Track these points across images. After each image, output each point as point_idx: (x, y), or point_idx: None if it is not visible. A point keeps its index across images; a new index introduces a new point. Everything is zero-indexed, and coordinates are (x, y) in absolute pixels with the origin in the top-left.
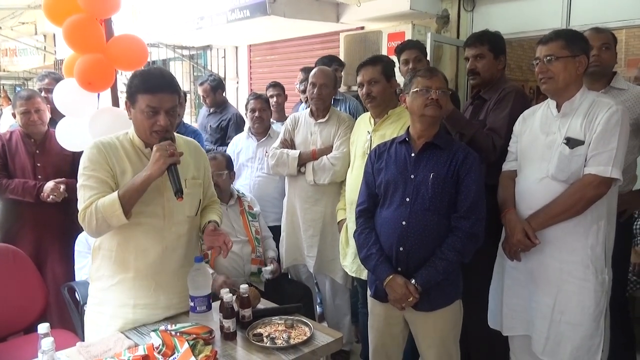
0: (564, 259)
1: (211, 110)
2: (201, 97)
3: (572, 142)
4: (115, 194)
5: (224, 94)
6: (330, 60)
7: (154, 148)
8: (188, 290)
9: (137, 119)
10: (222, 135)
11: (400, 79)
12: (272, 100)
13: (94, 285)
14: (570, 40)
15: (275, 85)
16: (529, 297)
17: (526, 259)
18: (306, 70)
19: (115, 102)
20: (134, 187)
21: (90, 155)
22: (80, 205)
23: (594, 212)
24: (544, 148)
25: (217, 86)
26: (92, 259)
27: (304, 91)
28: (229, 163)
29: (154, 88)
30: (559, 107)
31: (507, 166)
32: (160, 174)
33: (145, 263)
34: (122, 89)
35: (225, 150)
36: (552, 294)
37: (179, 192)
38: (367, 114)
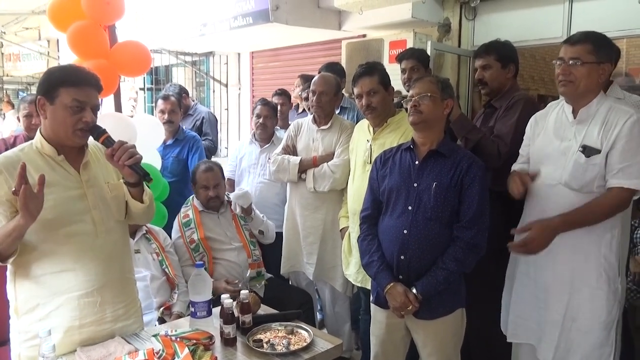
0: (576, 266)
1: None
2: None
3: (588, 151)
4: None
5: (189, 98)
6: (329, 68)
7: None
8: (133, 299)
9: (56, 117)
10: (198, 134)
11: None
12: (277, 108)
13: (25, 319)
14: (598, 45)
15: (282, 93)
16: (538, 304)
17: (537, 265)
18: (304, 78)
19: (119, 108)
20: (5, 233)
21: None
22: None
23: (609, 220)
24: (558, 154)
25: (179, 93)
26: (15, 292)
27: (306, 98)
28: (222, 172)
29: (80, 81)
30: (575, 112)
31: (516, 167)
32: (33, 221)
33: (88, 278)
34: (127, 95)
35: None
36: (564, 301)
37: (147, 176)
38: (365, 122)
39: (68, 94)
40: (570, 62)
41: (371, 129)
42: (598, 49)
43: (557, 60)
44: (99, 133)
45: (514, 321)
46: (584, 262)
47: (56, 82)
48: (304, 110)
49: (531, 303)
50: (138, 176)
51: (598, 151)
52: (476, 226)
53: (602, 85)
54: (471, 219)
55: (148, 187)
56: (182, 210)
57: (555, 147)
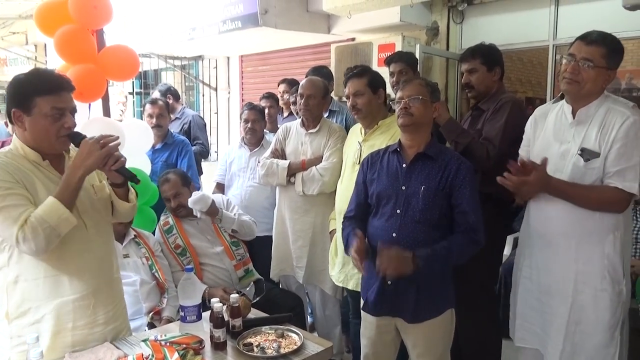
0: (579, 269)
1: (173, 118)
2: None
3: (586, 154)
4: (51, 198)
5: (179, 103)
6: (316, 72)
7: (84, 144)
8: (121, 298)
9: (37, 127)
10: (187, 138)
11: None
12: (265, 112)
13: (17, 323)
14: (612, 51)
15: (269, 96)
16: (542, 309)
17: (539, 268)
18: (289, 82)
19: (107, 112)
20: (71, 186)
21: None
22: (9, 229)
23: (610, 220)
24: (557, 157)
25: (165, 93)
26: (7, 297)
27: (294, 102)
28: (184, 179)
29: (55, 88)
30: (574, 113)
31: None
32: (99, 164)
33: (82, 280)
34: (115, 99)
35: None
36: (567, 305)
37: (134, 178)
38: (359, 124)
39: (46, 102)
40: (582, 61)
41: (362, 130)
42: (611, 54)
43: (567, 56)
44: (80, 140)
45: (521, 325)
46: (587, 263)
47: (30, 92)
48: (290, 113)
49: (535, 307)
50: (125, 178)
51: (597, 154)
52: (474, 215)
53: (603, 90)
54: (472, 224)
55: (132, 186)
56: (162, 218)
57: (554, 150)
